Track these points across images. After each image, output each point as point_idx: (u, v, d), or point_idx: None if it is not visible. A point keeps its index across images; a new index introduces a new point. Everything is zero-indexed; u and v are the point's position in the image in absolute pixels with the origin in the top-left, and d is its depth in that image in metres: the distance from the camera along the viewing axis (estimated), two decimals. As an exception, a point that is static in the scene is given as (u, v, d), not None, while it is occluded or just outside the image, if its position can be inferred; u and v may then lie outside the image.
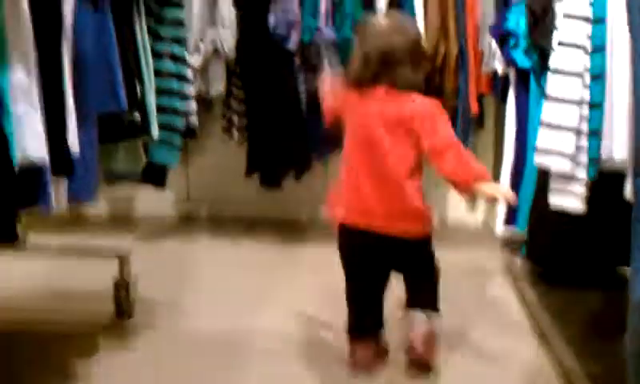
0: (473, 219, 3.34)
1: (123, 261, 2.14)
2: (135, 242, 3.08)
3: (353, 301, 1.80)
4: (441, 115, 1.75)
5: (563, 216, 1.80)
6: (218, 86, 2.97)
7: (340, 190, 1.79)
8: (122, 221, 3.48)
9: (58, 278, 2.49)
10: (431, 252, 1.81)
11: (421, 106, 1.73)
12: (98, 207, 3.24)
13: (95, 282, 2.35)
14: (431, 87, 2.83)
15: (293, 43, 2.87)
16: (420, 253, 1.78)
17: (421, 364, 1.73)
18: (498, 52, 2.45)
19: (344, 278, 1.81)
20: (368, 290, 1.81)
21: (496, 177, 2.90)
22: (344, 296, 1.85)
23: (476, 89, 2.85)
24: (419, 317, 1.74)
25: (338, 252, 1.81)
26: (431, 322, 1.75)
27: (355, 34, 1.88)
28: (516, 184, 2.38)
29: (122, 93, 1.68)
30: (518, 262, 2.40)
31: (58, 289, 2.40)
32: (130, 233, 3.24)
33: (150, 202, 3.50)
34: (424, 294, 1.79)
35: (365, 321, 1.80)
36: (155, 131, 1.94)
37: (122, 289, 2.11)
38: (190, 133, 2.50)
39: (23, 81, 1.38)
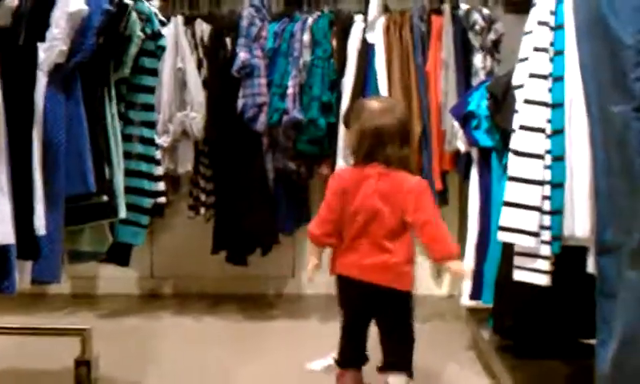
0: (439, 291, 3.37)
1: (85, 339, 2.10)
2: (97, 320, 3.03)
3: (347, 336, 2.04)
4: (426, 193, 1.98)
5: (528, 289, 1.83)
6: (186, 165, 2.99)
7: (339, 252, 2.02)
8: (84, 298, 3.42)
9: (19, 356, 2.42)
10: (410, 307, 2.03)
11: (410, 184, 1.96)
12: (60, 285, 3.16)
13: (56, 361, 2.30)
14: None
15: (261, 124, 2.92)
16: (401, 304, 1.99)
17: None
18: (461, 131, 2.52)
19: (341, 319, 2.05)
20: (358, 328, 2.04)
21: (461, 252, 2.95)
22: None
23: (439, 166, 2.92)
24: (395, 381, 1.95)
25: (337, 300, 2.06)
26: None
27: (350, 117, 2.08)
28: (480, 258, 2.42)
29: (91, 176, 1.69)
30: (485, 335, 2.41)
31: (18, 369, 2.34)
32: (92, 311, 3.18)
33: (113, 279, 3.45)
34: (400, 357, 1.98)
35: (354, 353, 2.04)
36: (123, 212, 1.93)
37: (84, 368, 2.06)
38: (157, 211, 2.50)
39: (-8, 166, 1.38)
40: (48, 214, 1.60)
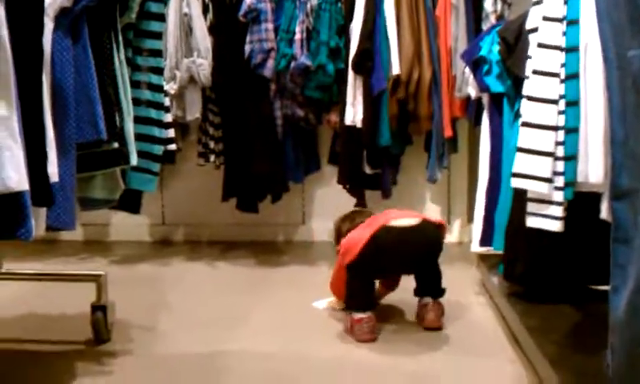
0: (449, 237, 3.39)
1: (100, 285, 2.12)
2: (110, 266, 3.07)
3: (367, 282, 2.22)
4: None
5: (540, 235, 1.84)
6: (194, 112, 2.98)
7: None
8: (97, 245, 3.46)
9: (35, 302, 2.47)
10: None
11: None
12: (74, 232, 3.20)
13: (72, 306, 2.35)
14: (406, 112, 2.88)
15: (268, 70, 2.89)
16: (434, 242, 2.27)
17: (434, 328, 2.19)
18: (471, 77, 2.49)
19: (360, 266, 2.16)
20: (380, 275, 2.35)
21: (471, 198, 2.95)
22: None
23: (450, 113, 2.90)
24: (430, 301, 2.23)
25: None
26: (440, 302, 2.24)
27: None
28: (491, 205, 2.42)
29: (102, 123, 1.67)
30: (495, 280, 2.43)
31: (34, 313, 2.38)
32: (104, 258, 3.22)
33: (126, 226, 3.48)
34: (432, 282, 2.26)
35: (370, 295, 2.24)
36: (134, 159, 1.92)
37: (100, 312, 2.09)
38: (167, 158, 2.50)
39: (3, 112, 1.37)
40: (60, 160, 1.60)
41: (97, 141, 1.72)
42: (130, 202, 2.63)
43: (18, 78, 1.42)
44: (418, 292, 2.27)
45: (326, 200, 3.36)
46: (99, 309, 2.09)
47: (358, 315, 2.12)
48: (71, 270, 2.84)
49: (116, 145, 1.84)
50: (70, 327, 2.23)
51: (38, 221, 1.58)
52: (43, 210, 1.61)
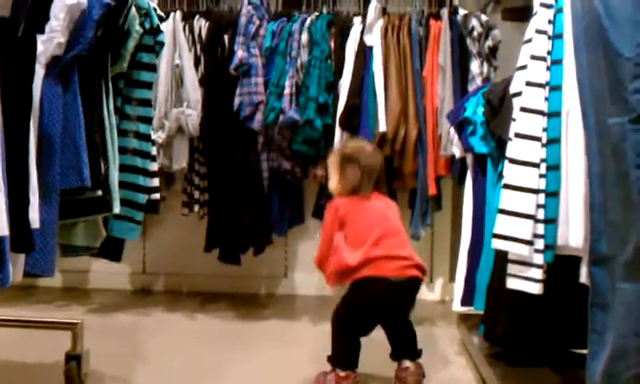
0: (431, 295, 3.38)
1: (76, 333, 2.09)
2: (88, 314, 3.02)
3: (355, 337, 2.17)
4: None
5: (520, 297, 1.84)
6: (181, 162, 2.99)
7: (345, 261, 2.18)
8: (75, 293, 3.41)
9: (9, 349, 2.41)
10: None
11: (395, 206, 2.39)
12: (52, 279, 3.14)
13: (47, 354, 2.29)
14: (391, 169, 2.90)
15: (257, 123, 2.92)
16: (415, 296, 2.23)
17: None
18: (456, 137, 2.52)
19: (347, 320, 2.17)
20: (370, 327, 2.21)
21: (454, 256, 2.95)
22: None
23: (434, 171, 2.93)
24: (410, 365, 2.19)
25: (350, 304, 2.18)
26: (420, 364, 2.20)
27: (344, 156, 2.30)
28: (473, 265, 2.43)
29: (87, 170, 1.68)
30: (476, 340, 2.42)
31: (8, 360, 2.33)
32: (83, 305, 3.17)
33: (106, 274, 3.44)
34: (409, 343, 2.22)
35: (357, 353, 2.17)
36: (117, 207, 1.92)
37: (74, 362, 2.05)
38: (151, 208, 2.49)
39: (-12, 157, 1.37)
40: (42, 206, 1.59)
41: (80, 188, 1.72)
42: (112, 250, 2.61)
43: (5, 122, 1.43)
44: (395, 355, 2.23)
45: (309, 253, 3.33)
46: (73, 358, 2.05)
47: (343, 373, 2.10)
48: (48, 317, 2.78)
49: (99, 192, 1.83)
50: (44, 376, 2.19)
51: (16, 266, 1.56)
52: (22, 256, 1.60)
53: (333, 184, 2.31)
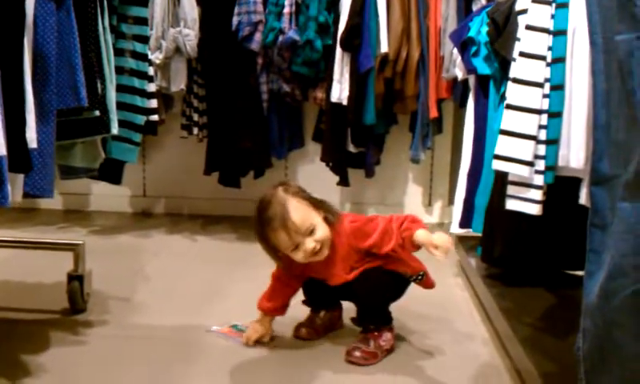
0: (430, 218, 3.40)
1: (78, 254, 2.10)
2: (89, 236, 3.04)
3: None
4: None
5: (519, 218, 1.85)
6: (179, 83, 2.95)
7: None
8: (76, 215, 3.43)
9: (11, 270, 2.44)
10: None
11: None
12: (53, 201, 3.17)
13: (49, 275, 2.33)
14: (392, 91, 2.87)
15: (255, 43, 2.86)
16: None
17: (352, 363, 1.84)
18: (459, 58, 2.48)
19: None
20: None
21: (453, 179, 2.96)
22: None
23: (436, 93, 2.89)
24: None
25: None
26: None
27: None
28: (472, 187, 2.43)
29: (83, 90, 1.65)
30: (473, 262, 2.44)
31: (10, 281, 2.36)
32: (84, 227, 3.20)
33: (106, 197, 3.46)
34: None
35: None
36: (115, 128, 1.91)
37: (76, 282, 2.08)
38: (149, 129, 2.48)
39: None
40: (39, 126, 1.57)
41: (77, 108, 1.70)
42: (111, 173, 2.62)
43: (-1, 41, 1.40)
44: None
45: (309, 177, 3.35)
46: (76, 278, 2.08)
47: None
48: (49, 238, 2.81)
49: (97, 113, 1.82)
50: (46, 296, 2.22)
51: (15, 187, 1.56)
52: (21, 177, 1.59)
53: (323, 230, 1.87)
